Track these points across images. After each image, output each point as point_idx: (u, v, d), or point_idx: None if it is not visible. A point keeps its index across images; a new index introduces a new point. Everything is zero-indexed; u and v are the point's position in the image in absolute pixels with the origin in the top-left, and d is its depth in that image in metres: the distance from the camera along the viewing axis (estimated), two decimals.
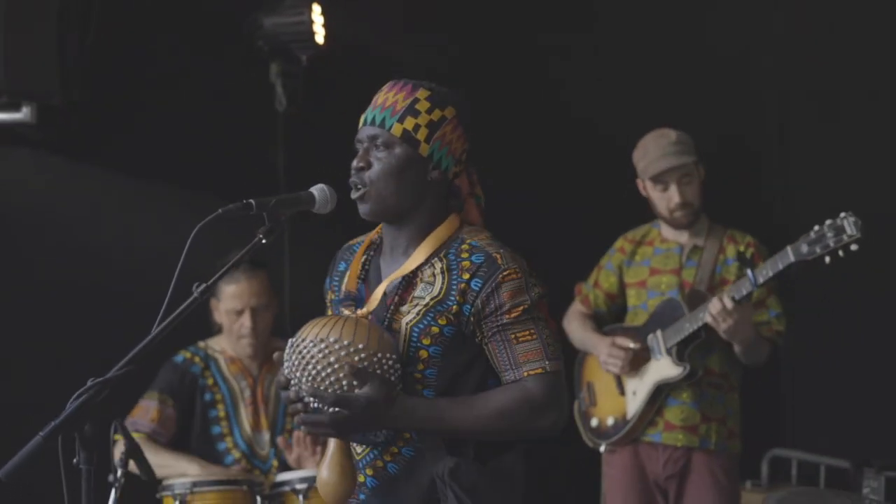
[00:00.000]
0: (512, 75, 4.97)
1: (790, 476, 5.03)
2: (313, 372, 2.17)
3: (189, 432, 3.81)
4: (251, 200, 2.18)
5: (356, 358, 2.16)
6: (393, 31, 4.65)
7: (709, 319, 3.51)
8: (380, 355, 2.19)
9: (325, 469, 2.25)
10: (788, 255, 3.38)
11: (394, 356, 2.22)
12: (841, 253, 3.29)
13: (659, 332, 3.72)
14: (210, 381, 3.81)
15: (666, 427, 3.73)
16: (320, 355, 2.17)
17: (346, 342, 2.17)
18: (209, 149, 4.54)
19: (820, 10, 5.00)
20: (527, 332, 2.23)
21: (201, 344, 3.88)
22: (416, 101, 2.30)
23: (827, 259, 3.31)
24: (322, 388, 2.17)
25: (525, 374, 2.23)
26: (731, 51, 5.10)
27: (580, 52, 5.05)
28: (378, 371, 2.18)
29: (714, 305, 3.48)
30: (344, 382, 2.17)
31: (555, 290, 3.98)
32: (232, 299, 3.78)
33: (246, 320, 3.77)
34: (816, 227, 3.33)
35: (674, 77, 5.07)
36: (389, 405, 2.18)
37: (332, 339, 2.17)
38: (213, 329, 3.90)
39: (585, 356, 3.98)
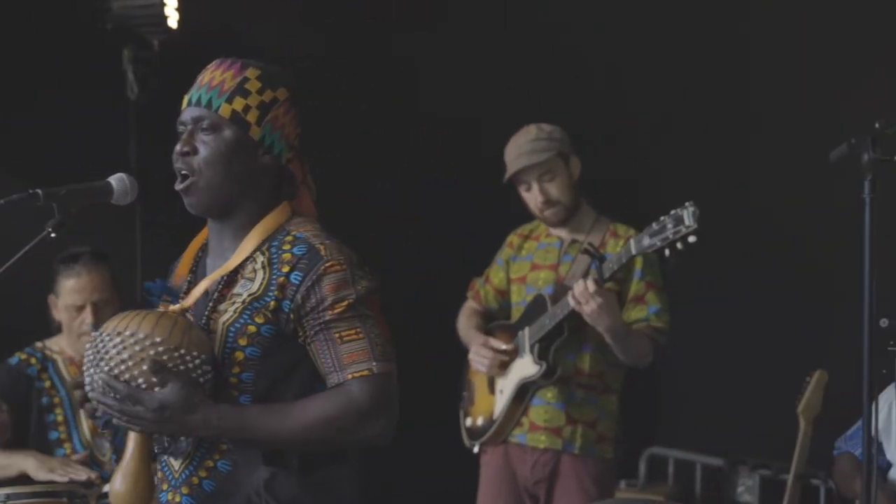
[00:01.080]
0: (374, 65, 4.84)
1: (667, 475, 4.99)
2: (106, 368, 2.00)
3: (26, 438, 3.56)
4: (38, 190, 2.01)
5: (153, 352, 1.99)
6: (251, 14, 4.46)
7: (571, 302, 3.36)
8: (182, 352, 2.01)
9: (118, 478, 2.06)
10: (631, 249, 3.26)
11: (202, 356, 2.03)
12: (679, 245, 3.15)
13: (525, 330, 3.58)
14: (47, 384, 3.56)
15: (530, 428, 3.59)
16: (114, 350, 2.00)
17: (142, 335, 1.99)
18: (57, 140, 4.34)
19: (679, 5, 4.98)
20: (352, 331, 2.05)
21: (38, 344, 3.62)
22: (246, 80, 2.14)
23: (666, 252, 3.17)
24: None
25: (350, 376, 2.05)
26: (599, 47, 5.05)
27: (446, 42, 4.94)
28: (181, 368, 2.00)
29: (577, 286, 3.34)
30: (141, 380, 1.99)
31: (455, 286, 3.98)
32: (71, 294, 3.53)
33: (87, 316, 3.52)
34: (661, 218, 3.20)
35: (543, 73, 4.99)
36: (190, 409, 2.00)
37: (128, 333, 2.00)
38: (51, 329, 3.65)
39: None
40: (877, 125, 2.20)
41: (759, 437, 4.68)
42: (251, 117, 2.11)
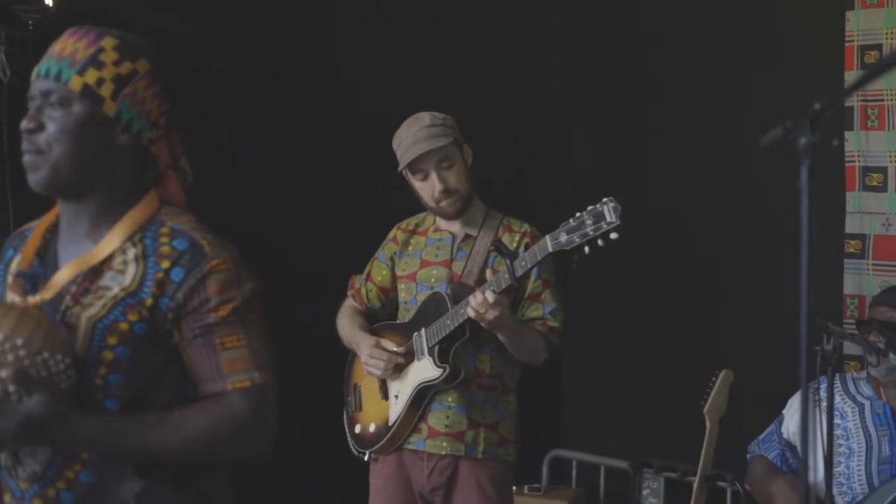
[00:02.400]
0: (260, 47, 4.63)
1: (570, 478, 4.87)
2: None
3: None
4: None
5: (13, 357, 1.76)
6: None
7: (471, 313, 3.17)
8: (46, 355, 1.80)
9: None
10: (547, 246, 3.08)
11: (66, 359, 1.83)
12: (601, 242, 2.99)
13: (423, 331, 3.38)
14: None
15: (430, 434, 3.40)
16: None
17: (1, 337, 1.77)
18: None
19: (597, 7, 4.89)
20: (234, 338, 1.90)
21: None
22: (101, 50, 1.94)
23: (586, 249, 3.01)
24: None
25: (230, 386, 1.90)
26: (513, 43, 4.91)
27: (325, 25, 4.75)
28: (45, 374, 1.79)
29: (475, 298, 3.16)
30: (0, 389, 1.77)
31: (332, 284, 3.77)
32: None
33: None
34: (577, 214, 3.03)
35: (455, 66, 4.83)
36: (58, 422, 1.78)
37: None
38: None
39: (354, 357, 3.62)
40: (815, 106, 2.03)
41: (665, 438, 4.58)
42: (105, 91, 1.93)
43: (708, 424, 4.23)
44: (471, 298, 3.18)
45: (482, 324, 3.19)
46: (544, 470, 4.91)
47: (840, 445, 3.26)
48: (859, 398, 3.31)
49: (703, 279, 4.60)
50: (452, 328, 3.30)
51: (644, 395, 4.75)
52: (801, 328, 1.92)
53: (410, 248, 3.54)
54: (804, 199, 2.01)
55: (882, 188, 4.23)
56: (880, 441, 3.22)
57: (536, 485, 4.75)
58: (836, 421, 3.29)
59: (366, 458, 3.53)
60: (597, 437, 4.88)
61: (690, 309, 4.58)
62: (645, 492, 4.55)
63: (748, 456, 3.58)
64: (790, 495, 3.16)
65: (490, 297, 3.13)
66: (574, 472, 4.85)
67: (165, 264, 1.89)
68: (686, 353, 4.52)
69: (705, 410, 4.24)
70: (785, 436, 3.43)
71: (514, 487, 3.75)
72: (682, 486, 4.32)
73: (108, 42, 1.95)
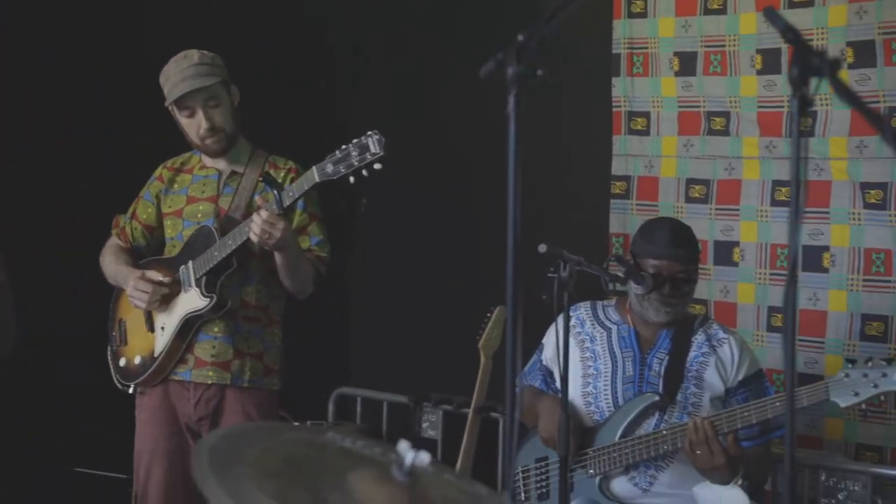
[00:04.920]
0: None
1: (355, 414, 4.97)
2: None
3: None
4: None
5: None
6: None
7: (254, 235, 3.22)
8: None
9: None
10: (314, 176, 3.17)
11: None
12: (365, 172, 3.10)
13: (190, 263, 3.42)
14: None
15: (196, 364, 3.45)
16: None
17: None
18: None
19: None
20: None
21: None
22: None
23: (352, 179, 3.11)
24: None
25: None
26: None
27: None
28: None
29: (258, 216, 3.21)
30: None
31: (98, 224, 3.74)
32: None
33: None
34: (343, 146, 3.12)
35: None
36: None
37: None
38: None
39: (120, 292, 3.63)
40: (520, 38, 2.14)
41: (444, 373, 4.73)
42: None
43: (483, 359, 4.39)
44: (254, 217, 3.22)
45: (266, 245, 3.25)
46: (330, 407, 5.00)
47: (589, 367, 3.45)
48: (607, 323, 3.50)
49: (475, 219, 4.73)
50: (220, 259, 3.35)
51: (424, 332, 4.89)
52: (507, 255, 2.04)
53: (176, 185, 3.59)
54: (512, 127, 2.13)
55: (645, 132, 4.44)
56: (625, 362, 3.42)
57: (321, 421, 4.84)
58: (587, 345, 3.48)
59: (130, 390, 3.55)
60: (380, 374, 5.00)
61: (466, 248, 4.71)
62: (424, 424, 4.70)
63: (515, 389, 3.71)
64: (553, 411, 3.32)
65: (266, 215, 3.20)
66: (359, 409, 4.96)
67: None
68: (463, 290, 4.66)
69: (480, 345, 4.40)
70: (545, 363, 3.60)
71: (296, 424, 3.84)
72: (459, 418, 4.48)
73: None
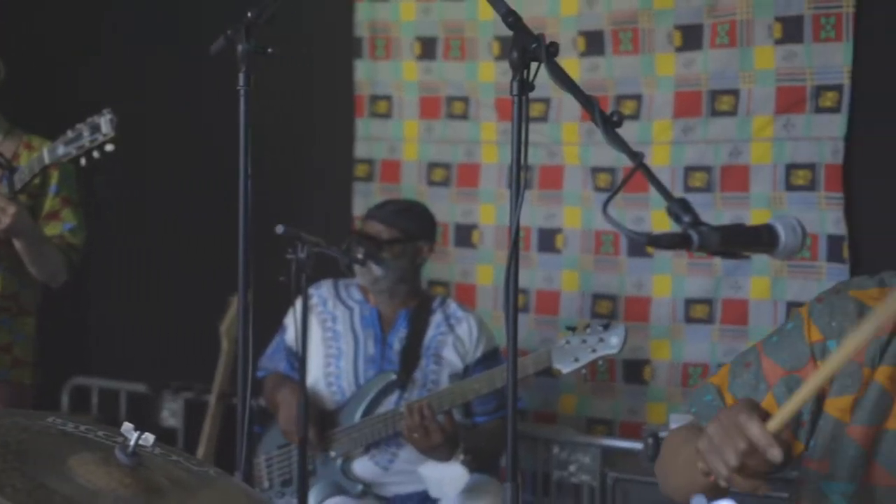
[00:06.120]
0: None
1: (91, 405, 4.81)
2: None
3: None
4: None
5: None
6: None
7: None
8: None
9: None
10: (44, 157, 3.04)
11: None
12: (96, 154, 2.99)
13: None
14: None
15: None
16: None
17: None
18: None
19: None
20: None
21: None
22: None
23: (83, 161, 2.99)
24: None
25: None
26: None
27: None
28: None
29: None
30: None
31: None
32: None
33: None
34: (76, 126, 3.01)
35: None
36: None
37: None
38: None
39: None
40: (249, 15, 2.15)
41: (185, 360, 4.65)
42: None
43: (225, 344, 4.34)
44: None
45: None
46: (64, 398, 4.83)
47: (331, 347, 3.47)
48: (349, 302, 3.53)
49: (213, 202, 4.64)
50: None
51: (164, 319, 4.77)
52: (239, 236, 2.04)
53: None
54: (242, 104, 2.13)
55: (388, 116, 4.47)
56: (366, 342, 3.46)
57: (57, 412, 4.65)
58: (328, 324, 3.50)
59: None
60: (118, 362, 4.85)
61: (205, 231, 4.61)
62: (164, 413, 4.61)
63: (259, 374, 3.69)
64: (293, 401, 3.30)
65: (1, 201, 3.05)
66: (95, 399, 4.80)
67: None
68: (203, 275, 4.57)
69: (223, 330, 4.35)
70: (288, 343, 3.59)
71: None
72: (201, 405, 4.41)
73: None
